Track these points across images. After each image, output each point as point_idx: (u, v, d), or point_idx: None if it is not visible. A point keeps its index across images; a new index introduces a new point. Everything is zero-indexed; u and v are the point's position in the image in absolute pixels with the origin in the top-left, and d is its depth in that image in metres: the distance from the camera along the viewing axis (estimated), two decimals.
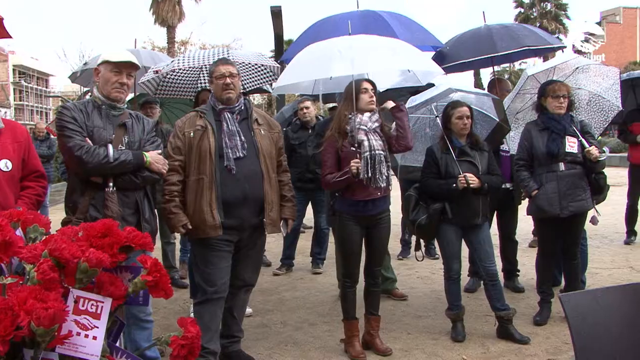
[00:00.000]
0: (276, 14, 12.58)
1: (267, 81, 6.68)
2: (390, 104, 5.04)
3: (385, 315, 5.99)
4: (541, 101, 5.64)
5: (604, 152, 5.48)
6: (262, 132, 4.77)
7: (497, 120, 5.82)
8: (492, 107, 5.84)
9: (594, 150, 5.38)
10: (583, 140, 5.47)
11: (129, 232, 1.96)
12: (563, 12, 58.22)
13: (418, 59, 5.42)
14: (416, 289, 7.10)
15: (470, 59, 7.19)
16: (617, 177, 12.51)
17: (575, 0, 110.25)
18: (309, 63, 5.31)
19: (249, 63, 6.34)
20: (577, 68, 6.13)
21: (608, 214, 11.16)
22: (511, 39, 6.94)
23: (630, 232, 9.42)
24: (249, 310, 5.94)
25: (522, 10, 58.47)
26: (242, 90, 6.39)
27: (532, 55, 6.95)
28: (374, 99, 4.98)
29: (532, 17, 58.06)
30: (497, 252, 7.07)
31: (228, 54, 5.99)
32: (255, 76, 6.56)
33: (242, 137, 4.63)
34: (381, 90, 7.80)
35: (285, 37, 15.38)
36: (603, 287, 2.88)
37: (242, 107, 4.78)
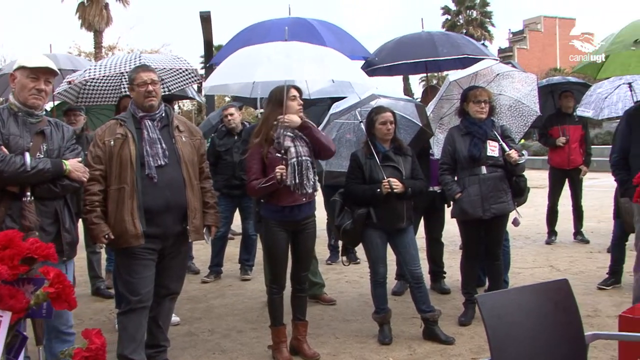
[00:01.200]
0: (205, 19, 12.49)
1: (188, 84, 6.62)
2: (295, 122, 4.96)
3: (314, 320, 6.01)
4: (463, 106, 5.77)
5: (523, 155, 5.63)
6: (184, 139, 4.72)
7: (420, 125, 5.91)
8: (415, 113, 5.94)
9: (513, 153, 5.53)
10: (504, 144, 5.61)
11: (31, 243, 1.90)
12: (488, 20, 59.88)
13: (354, 71, 5.44)
14: (345, 293, 7.14)
15: (412, 61, 7.27)
16: (539, 180, 12.86)
17: (500, 8, 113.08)
18: (241, 65, 5.26)
19: (165, 68, 6.25)
20: (498, 74, 6.28)
21: (531, 215, 11.50)
22: (452, 46, 7.07)
23: (551, 233, 9.71)
24: (176, 318, 5.87)
25: (449, 17, 59.76)
26: (167, 93, 6.37)
27: (461, 66, 7.05)
28: (301, 106, 4.99)
29: (458, 24, 59.46)
30: (424, 254, 7.22)
31: (140, 59, 5.89)
32: (177, 80, 6.48)
33: (163, 145, 4.57)
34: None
35: (215, 43, 15.28)
36: (518, 286, 2.95)
37: (163, 114, 4.71)
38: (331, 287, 7.24)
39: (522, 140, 27.89)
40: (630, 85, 7.98)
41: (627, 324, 3.55)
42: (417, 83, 52.94)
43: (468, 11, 59.59)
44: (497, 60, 6.76)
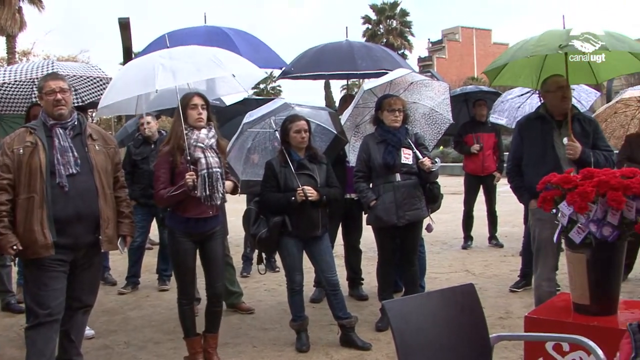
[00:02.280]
0: (124, 25, 12.25)
1: (102, 93, 6.49)
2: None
3: (232, 329, 5.98)
4: (378, 115, 5.84)
5: (436, 163, 5.74)
6: (97, 147, 4.62)
7: (335, 133, 5.96)
8: (329, 121, 5.98)
9: (427, 161, 5.63)
10: (417, 152, 5.71)
11: None
12: (408, 30, 60.93)
13: (240, 64, 5.40)
14: (263, 301, 7.12)
15: (331, 72, 7.32)
16: (457, 186, 13.12)
17: (419, 18, 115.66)
18: (130, 80, 5.16)
19: (77, 75, 6.10)
20: (412, 83, 6.38)
21: (448, 220, 11.77)
22: (371, 59, 7.14)
23: (467, 238, 9.95)
24: (90, 332, 5.74)
25: (370, 26, 60.51)
26: (80, 104, 6.22)
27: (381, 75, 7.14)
28: (203, 115, 4.94)
29: (379, 33, 60.26)
30: (342, 261, 7.28)
31: (54, 66, 5.75)
32: (90, 88, 6.34)
33: (75, 153, 4.46)
34: (227, 104, 7.80)
35: (135, 49, 15.00)
36: (423, 293, 3.01)
37: (75, 123, 4.60)
38: (250, 295, 7.21)
39: (441, 147, 28.59)
40: (540, 94, 8.20)
41: (532, 324, 3.67)
42: (338, 90, 53.37)
43: (388, 21, 60.48)
44: (412, 70, 6.87)
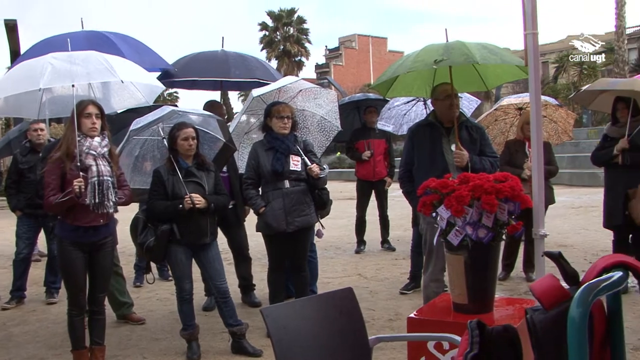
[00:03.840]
0: (11, 28, 11.82)
1: None
2: None
3: (121, 340, 5.87)
4: (267, 121, 5.87)
5: (324, 169, 5.82)
6: None
7: (224, 140, 5.95)
8: (217, 128, 5.97)
9: (315, 167, 5.71)
10: (306, 159, 5.78)
11: None
12: (305, 37, 61.30)
13: (138, 73, 5.39)
14: (155, 311, 7.01)
15: (202, 79, 7.29)
16: (353, 191, 13.22)
17: (316, 25, 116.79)
18: (17, 78, 5.05)
19: None
20: (301, 90, 6.46)
21: (343, 225, 11.95)
22: (245, 69, 7.18)
23: (360, 242, 10.12)
24: None
25: (267, 33, 60.55)
26: None
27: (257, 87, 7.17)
28: (97, 124, 4.85)
29: (276, 40, 60.39)
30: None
31: None
32: None
33: None
34: (119, 111, 7.65)
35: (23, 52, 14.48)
36: (302, 298, 3.05)
37: None
38: (141, 305, 7.09)
39: (338, 153, 28.95)
40: (424, 101, 8.49)
41: (414, 325, 3.77)
42: (236, 99, 53.16)
43: (285, 28, 60.69)
44: (297, 79, 6.94)
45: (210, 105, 7.22)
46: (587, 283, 1.53)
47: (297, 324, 2.80)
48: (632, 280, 7.15)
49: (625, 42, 33.09)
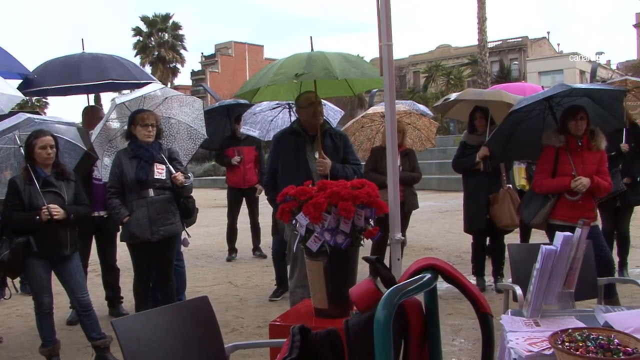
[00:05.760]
0: None
1: None
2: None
3: None
4: (131, 129, 5.77)
5: (188, 177, 5.78)
6: None
7: (85, 149, 5.79)
8: (78, 136, 5.80)
9: (180, 176, 5.65)
10: (171, 167, 5.71)
11: None
12: (180, 43, 60.44)
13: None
14: (14, 328, 6.70)
15: (53, 86, 6.99)
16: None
17: (192, 32, 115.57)
18: None
19: None
20: (166, 98, 6.38)
21: (215, 233, 11.88)
22: (98, 70, 6.91)
23: (231, 250, 10.10)
24: None
25: (141, 38, 59.28)
26: None
27: (137, 87, 6.92)
28: None
29: (150, 45, 59.24)
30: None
31: None
32: None
33: None
34: None
35: None
36: (156, 308, 3.02)
37: None
38: (0, 322, 6.76)
39: (214, 161, 28.63)
40: (290, 109, 8.57)
41: (276, 331, 3.82)
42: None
43: (160, 33, 59.64)
44: (162, 86, 6.85)
45: (87, 112, 7.03)
46: (393, 287, 1.61)
47: (151, 335, 2.76)
48: (488, 280, 7.54)
49: (487, 54, 34.88)
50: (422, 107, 10.24)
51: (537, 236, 7.24)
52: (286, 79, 5.23)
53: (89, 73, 6.82)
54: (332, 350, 1.84)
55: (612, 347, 2.21)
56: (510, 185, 7.34)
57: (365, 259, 1.93)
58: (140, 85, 6.79)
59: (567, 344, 2.26)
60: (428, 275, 1.64)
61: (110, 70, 6.89)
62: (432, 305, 1.78)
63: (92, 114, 6.95)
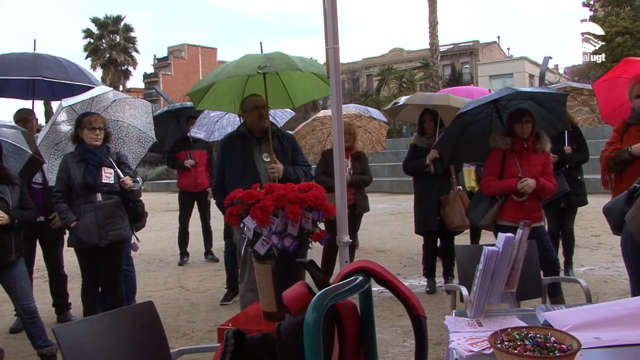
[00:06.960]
0: None
1: None
2: None
3: None
4: (78, 132, 5.67)
5: (137, 181, 5.72)
6: None
7: (30, 152, 5.68)
8: (23, 140, 5.68)
9: (128, 180, 5.59)
10: (119, 171, 5.65)
11: None
12: (132, 45, 59.76)
13: None
14: None
15: (12, 77, 6.78)
16: None
17: (146, 34, 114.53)
18: None
19: None
20: (114, 101, 6.31)
21: (167, 237, 11.79)
22: (33, 68, 6.64)
23: (183, 254, 10.02)
24: None
25: (92, 40, 58.44)
26: None
27: (77, 92, 6.70)
28: None
29: (101, 48, 58.47)
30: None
31: None
32: None
33: None
34: None
35: None
36: (100, 314, 2.97)
37: None
38: None
39: (167, 167, 28.40)
40: None
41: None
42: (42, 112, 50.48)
43: (111, 35, 58.90)
44: (110, 89, 6.74)
45: (21, 115, 6.86)
46: (322, 290, 1.62)
47: (94, 341, 2.71)
48: (439, 281, 7.62)
49: (439, 58, 35.28)
50: (375, 111, 10.32)
51: (487, 237, 7.34)
52: (249, 71, 5.25)
53: (21, 70, 6.62)
54: (267, 353, 1.84)
55: (548, 345, 2.27)
56: (461, 187, 7.43)
57: (299, 262, 1.94)
58: (75, 87, 6.62)
59: (505, 343, 2.31)
60: (360, 278, 1.65)
61: (44, 69, 6.66)
62: (367, 307, 1.79)
63: (26, 118, 6.79)
